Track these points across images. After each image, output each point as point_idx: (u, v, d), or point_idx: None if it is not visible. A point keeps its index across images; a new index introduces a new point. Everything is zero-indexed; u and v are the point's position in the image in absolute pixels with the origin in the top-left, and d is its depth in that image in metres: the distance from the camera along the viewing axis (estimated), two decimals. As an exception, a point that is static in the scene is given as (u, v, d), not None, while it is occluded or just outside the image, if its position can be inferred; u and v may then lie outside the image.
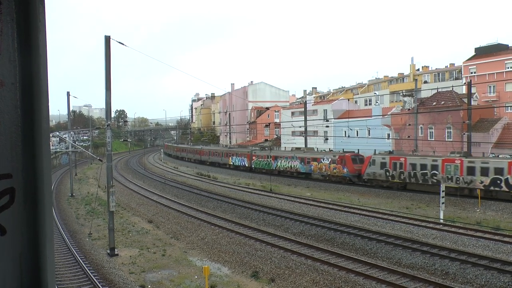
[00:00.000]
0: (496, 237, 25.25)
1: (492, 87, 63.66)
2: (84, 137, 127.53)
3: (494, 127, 49.73)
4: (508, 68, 62.26)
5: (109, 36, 24.38)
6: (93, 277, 20.30)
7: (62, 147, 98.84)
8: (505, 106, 58.65)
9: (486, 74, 64.59)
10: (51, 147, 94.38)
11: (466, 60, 69.47)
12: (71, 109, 63.30)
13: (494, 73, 63.40)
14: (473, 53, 69.99)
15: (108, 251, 25.07)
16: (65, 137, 77.96)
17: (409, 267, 21.28)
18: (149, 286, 19.98)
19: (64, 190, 53.25)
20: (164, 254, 24.89)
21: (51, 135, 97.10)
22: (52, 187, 56.26)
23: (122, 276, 20.98)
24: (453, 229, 27.49)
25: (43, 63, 1.47)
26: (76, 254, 24.23)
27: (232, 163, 72.09)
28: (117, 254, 24.82)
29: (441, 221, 30.08)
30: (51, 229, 1.50)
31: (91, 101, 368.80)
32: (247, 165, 67.42)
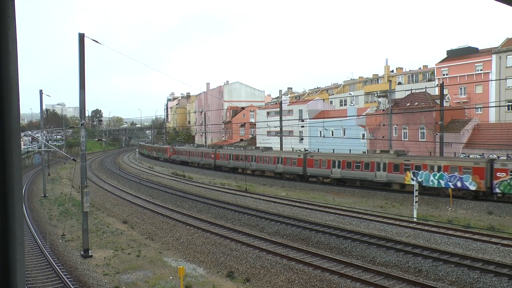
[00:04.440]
0: (466, 235, 25.86)
1: (463, 88, 65.07)
2: (57, 137, 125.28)
3: (465, 128, 50.84)
4: (478, 70, 63.72)
5: (83, 34, 24.02)
6: (66, 279, 19.96)
7: (35, 146, 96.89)
8: (475, 108, 60.04)
9: (457, 76, 66.00)
10: (23, 147, 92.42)
11: (439, 62, 70.79)
12: (44, 108, 62.05)
13: (465, 75, 64.82)
14: (445, 56, 71.41)
15: (82, 253, 24.69)
16: (38, 136, 76.47)
17: (383, 265, 21.58)
18: None
19: (37, 191, 52.18)
20: (139, 255, 24.65)
21: (23, 134, 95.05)
22: (24, 187, 55.20)
23: (96, 278, 20.68)
24: (426, 228, 28.02)
25: (13, 60, 1.44)
26: (49, 256, 23.78)
27: (419, 182, 38.72)
28: (91, 256, 24.47)
29: (415, 219, 30.61)
30: (21, 231, 1.47)
31: (64, 99, 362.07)
32: (474, 188, 36.61)
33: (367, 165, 44.51)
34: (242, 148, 68.88)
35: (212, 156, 71.05)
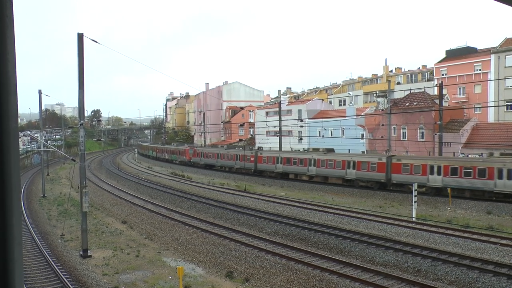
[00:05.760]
0: (466, 235, 25.87)
1: (462, 88, 65.10)
2: (56, 137, 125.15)
3: (464, 128, 50.87)
4: (477, 70, 63.76)
5: (82, 34, 23.99)
6: (65, 279, 19.93)
7: (34, 146, 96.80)
8: (474, 108, 60.07)
9: (456, 76, 66.02)
10: (22, 147, 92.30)
11: (438, 62, 70.81)
12: (43, 108, 61.95)
13: (463, 75, 64.84)
14: (444, 56, 71.44)
15: (81, 253, 24.67)
16: (37, 136, 76.40)
17: (382, 265, 21.58)
18: (123, 288, 19.74)
19: (36, 191, 52.12)
20: (138, 255, 24.63)
21: (21, 134, 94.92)
22: (23, 187, 55.09)
23: (95, 278, 20.66)
24: (425, 227, 28.03)
25: (11, 60, 1.43)
26: (48, 256, 23.75)
27: None
28: (90, 256, 24.45)
29: (414, 219, 30.62)
30: (19, 231, 1.47)
31: (64, 99, 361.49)
32: None
33: (482, 172, 35.71)
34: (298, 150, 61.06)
35: (252, 159, 61.18)
